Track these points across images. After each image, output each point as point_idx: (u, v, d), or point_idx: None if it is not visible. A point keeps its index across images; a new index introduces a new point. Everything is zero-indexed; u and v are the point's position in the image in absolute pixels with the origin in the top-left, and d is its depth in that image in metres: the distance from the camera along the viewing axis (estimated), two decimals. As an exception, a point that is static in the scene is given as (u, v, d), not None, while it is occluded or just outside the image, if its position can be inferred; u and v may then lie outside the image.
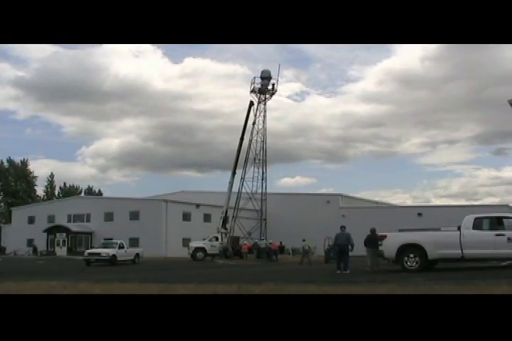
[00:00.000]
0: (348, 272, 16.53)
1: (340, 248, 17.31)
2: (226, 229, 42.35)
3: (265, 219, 45.99)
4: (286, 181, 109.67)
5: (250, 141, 45.14)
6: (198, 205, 51.76)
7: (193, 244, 39.67)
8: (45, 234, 49.77)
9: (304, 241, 33.03)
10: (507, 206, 47.99)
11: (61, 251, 48.11)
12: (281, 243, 42.89)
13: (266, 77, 45.23)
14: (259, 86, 45.51)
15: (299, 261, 29.47)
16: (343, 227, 17.76)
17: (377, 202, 62.37)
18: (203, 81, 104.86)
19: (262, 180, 45.72)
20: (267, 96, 45.89)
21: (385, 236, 16.33)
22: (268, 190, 47.57)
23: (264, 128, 45.87)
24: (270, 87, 45.49)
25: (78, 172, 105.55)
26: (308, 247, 32.21)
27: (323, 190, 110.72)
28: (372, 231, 18.00)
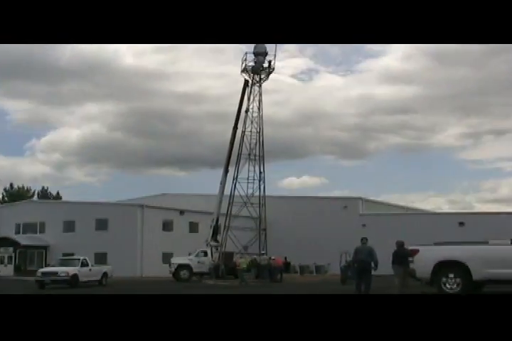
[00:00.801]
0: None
1: (360, 265, 17.37)
2: (217, 241, 42.42)
3: (265, 230, 45.98)
4: (290, 181, 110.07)
5: (243, 132, 44.88)
6: (181, 212, 51.88)
7: (176, 261, 39.73)
8: (-14, 248, 49.84)
9: (241, 258, 35.56)
10: None
11: (6, 270, 47.94)
12: (285, 259, 43.00)
13: (260, 52, 44.03)
14: (252, 64, 44.59)
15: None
16: (364, 239, 17.84)
17: (406, 208, 62.52)
18: (185, 56, 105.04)
19: (260, 180, 45.66)
20: (263, 76, 45.31)
21: (417, 252, 16.40)
22: (268, 193, 47.63)
23: (260, 117, 45.57)
24: (266, 65, 44.75)
25: (28, 170, 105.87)
26: (250, 264, 34.44)
27: (338, 193, 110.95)
28: (400, 245, 18.04)
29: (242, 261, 35.72)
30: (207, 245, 41.65)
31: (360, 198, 56.42)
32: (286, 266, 41.56)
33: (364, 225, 50.47)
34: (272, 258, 37.34)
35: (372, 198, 60.13)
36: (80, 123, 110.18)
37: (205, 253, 40.52)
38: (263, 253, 38.97)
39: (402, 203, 66.41)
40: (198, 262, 39.42)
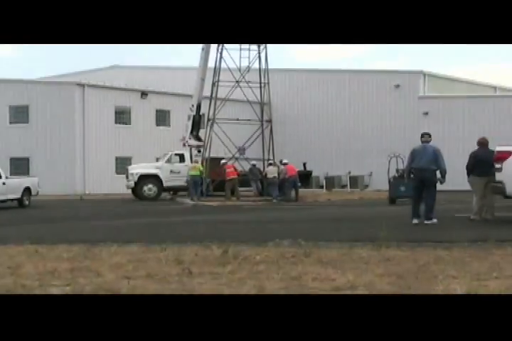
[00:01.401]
0: (435, 222, 16.85)
1: (420, 176, 17.42)
2: (199, 139, 42.43)
3: (270, 122, 45.74)
4: (309, 47, 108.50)
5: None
6: (144, 93, 51.74)
7: (137, 169, 40.05)
8: None
9: (196, 162, 37.53)
10: None
11: None
12: (304, 166, 43.21)
13: None
14: None
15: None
16: (425, 136, 17.73)
17: (493, 88, 62.22)
18: None
19: (259, 45, 44.61)
20: None
21: (508, 155, 16.43)
22: (274, 65, 46.94)
23: None
24: None
25: None
26: (200, 173, 36.40)
27: (384, 64, 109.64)
28: (483, 143, 18.05)
29: (192, 166, 37.11)
30: (184, 145, 41.78)
31: (421, 72, 55.93)
32: (305, 178, 41.74)
33: (426, 114, 50.50)
34: (284, 162, 37.23)
35: (438, 72, 59.63)
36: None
37: (181, 158, 40.75)
38: (271, 163, 38.86)
39: (486, 80, 66.02)
40: (171, 171, 39.73)
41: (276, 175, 35.87)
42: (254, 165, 39.52)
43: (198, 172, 36.34)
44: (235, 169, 38.02)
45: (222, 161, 38.73)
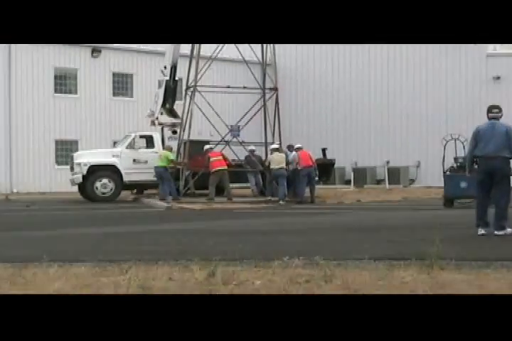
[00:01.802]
0: (508, 232, 16.92)
1: (487, 167, 17.44)
2: (175, 115, 42.41)
3: (275, 91, 45.56)
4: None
5: None
6: (96, 50, 51.86)
7: (86, 158, 40.10)
8: None
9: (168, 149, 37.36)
10: None
11: None
12: (323, 153, 43.17)
13: None
14: None
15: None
16: (494, 110, 17.74)
17: None
18: None
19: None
20: None
21: None
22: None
23: None
24: None
25: None
26: (168, 163, 36.45)
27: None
28: None
29: (162, 154, 37.45)
30: (153, 124, 41.84)
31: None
32: (325, 169, 41.65)
33: (497, 78, 50.35)
34: (297, 146, 37.08)
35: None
36: None
37: (149, 142, 40.85)
38: (276, 149, 38.58)
39: None
40: (135, 161, 39.91)
41: (283, 165, 35.55)
42: (252, 152, 39.50)
43: (165, 163, 36.16)
44: (224, 157, 37.65)
45: (207, 146, 38.36)
